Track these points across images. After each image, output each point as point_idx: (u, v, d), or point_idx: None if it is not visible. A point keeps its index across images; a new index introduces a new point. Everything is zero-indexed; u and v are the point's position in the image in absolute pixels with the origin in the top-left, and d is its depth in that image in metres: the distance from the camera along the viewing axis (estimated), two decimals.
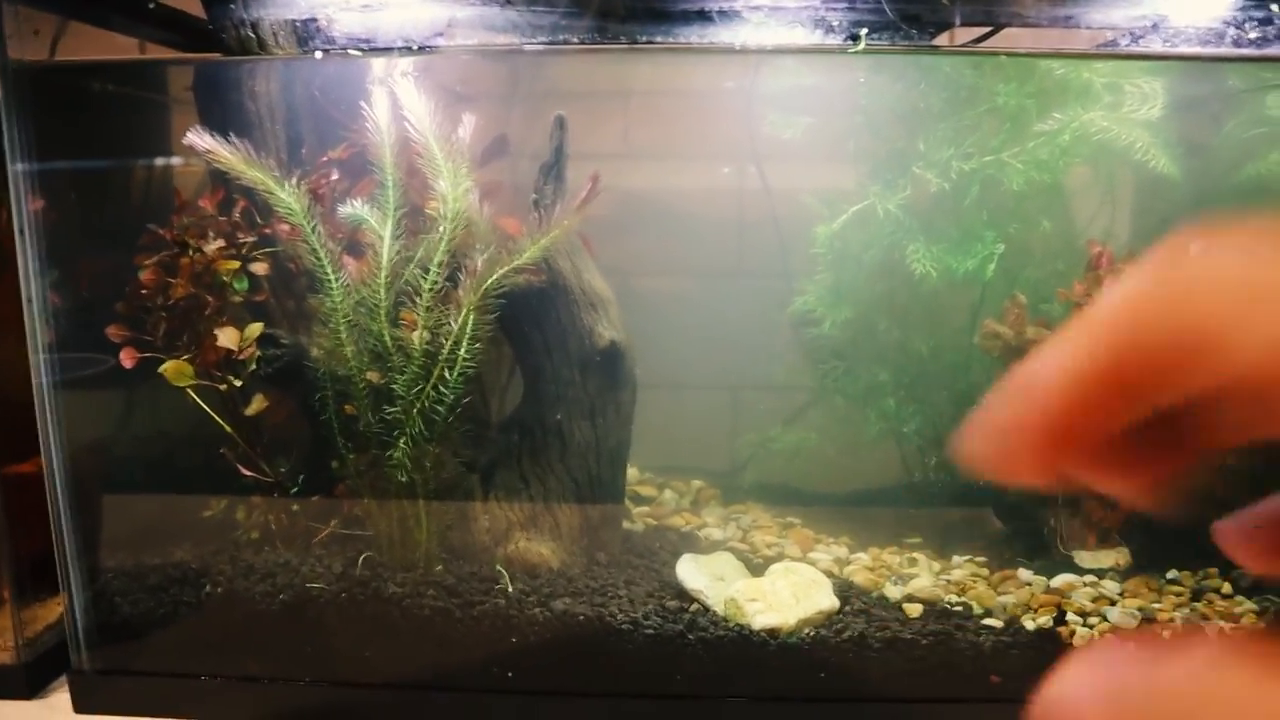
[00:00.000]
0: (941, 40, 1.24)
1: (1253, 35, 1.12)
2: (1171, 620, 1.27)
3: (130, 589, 1.33)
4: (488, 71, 1.48)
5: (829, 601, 1.29)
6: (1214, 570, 1.38)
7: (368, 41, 1.18)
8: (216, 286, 1.35)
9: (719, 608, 1.28)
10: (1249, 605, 1.31)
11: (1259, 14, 1.11)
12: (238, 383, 1.35)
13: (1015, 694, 1.24)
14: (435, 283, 1.26)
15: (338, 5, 1.15)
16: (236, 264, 1.35)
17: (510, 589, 1.30)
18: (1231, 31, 1.13)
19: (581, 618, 1.26)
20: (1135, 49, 1.20)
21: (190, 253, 1.33)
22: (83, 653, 1.30)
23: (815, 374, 1.63)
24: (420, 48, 1.18)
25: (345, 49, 1.19)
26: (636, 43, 1.15)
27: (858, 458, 1.64)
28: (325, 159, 1.40)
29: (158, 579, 1.33)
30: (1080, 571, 1.38)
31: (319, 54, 1.20)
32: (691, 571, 1.33)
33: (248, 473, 1.37)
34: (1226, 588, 1.35)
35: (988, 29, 1.33)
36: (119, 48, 1.29)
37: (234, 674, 1.28)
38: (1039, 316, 1.44)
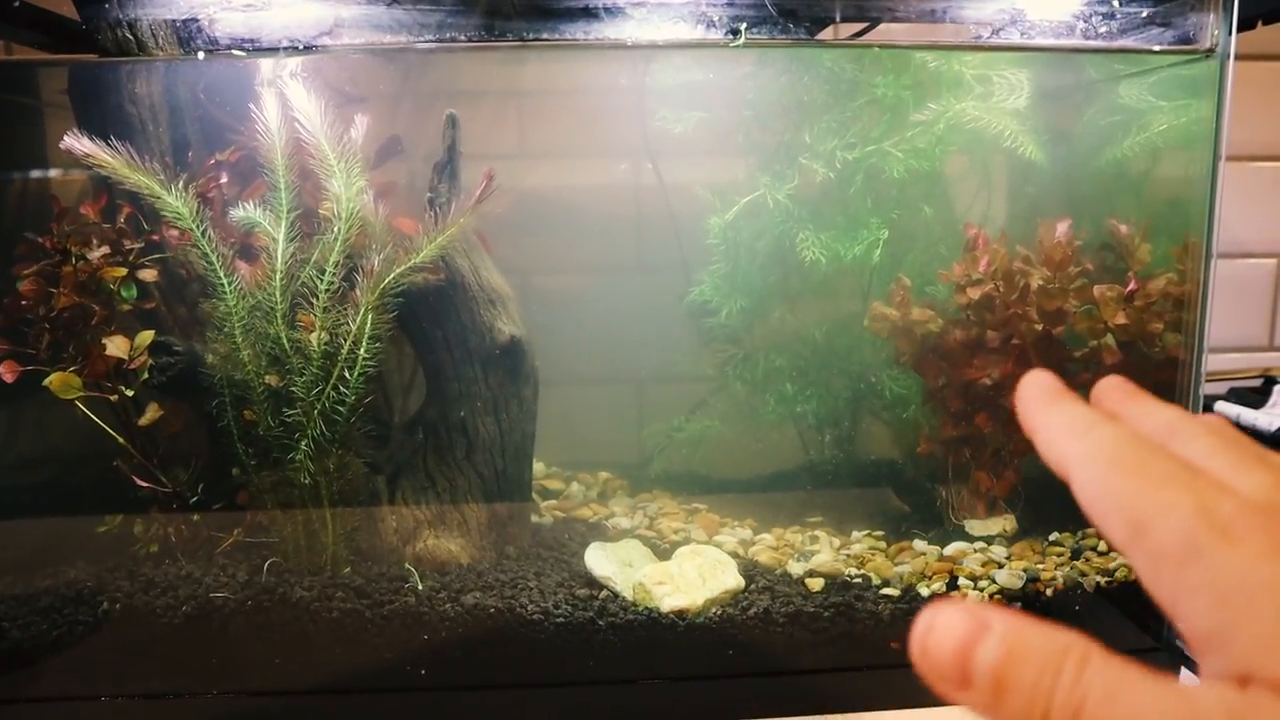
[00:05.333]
0: (825, 35, 1.29)
1: (1101, 29, 1.21)
2: (1054, 579, 1.35)
3: (20, 612, 1.28)
4: (378, 71, 1.47)
5: (734, 580, 1.33)
6: (1091, 530, 1.47)
7: (252, 42, 1.17)
8: (103, 295, 1.32)
9: (628, 593, 1.30)
10: (1123, 561, 1.40)
11: (1103, 9, 1.19)
12: (129, 393, 1.32)
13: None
14: (332, 283, 1.26)
15: (219, 4, 1.14)
16: (123, 271, 1.32)
17: (420, 587, 1.30)
18: (1081, 25, 1.21)
19: (493, 610, 1.27)
20: (997, 41, 1.27)
21: (73, 261, 1.30)
22: None
23: (715, 363, 1.67)
24: (306, 47, 1.17)
25: (229, 49, 1.17)
26: (524, 40, 1.17)
27: (760, 442, 1.68)
28: (213, 161, 1.37)
29: (50, 600, 1.29)
30: (971, 539, 1.46)
31: (201, 55, 1.18)
32: (599, 559, 1.35)
33: (144, 484, 1.34)
34: (1103, 545, 1.44)
35: (864, 24, 1.39)
36: None
37: (138, 692, 1.24)
38: (924, 298, 1.51)
